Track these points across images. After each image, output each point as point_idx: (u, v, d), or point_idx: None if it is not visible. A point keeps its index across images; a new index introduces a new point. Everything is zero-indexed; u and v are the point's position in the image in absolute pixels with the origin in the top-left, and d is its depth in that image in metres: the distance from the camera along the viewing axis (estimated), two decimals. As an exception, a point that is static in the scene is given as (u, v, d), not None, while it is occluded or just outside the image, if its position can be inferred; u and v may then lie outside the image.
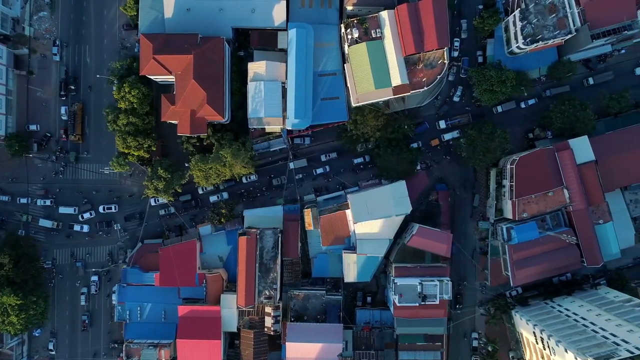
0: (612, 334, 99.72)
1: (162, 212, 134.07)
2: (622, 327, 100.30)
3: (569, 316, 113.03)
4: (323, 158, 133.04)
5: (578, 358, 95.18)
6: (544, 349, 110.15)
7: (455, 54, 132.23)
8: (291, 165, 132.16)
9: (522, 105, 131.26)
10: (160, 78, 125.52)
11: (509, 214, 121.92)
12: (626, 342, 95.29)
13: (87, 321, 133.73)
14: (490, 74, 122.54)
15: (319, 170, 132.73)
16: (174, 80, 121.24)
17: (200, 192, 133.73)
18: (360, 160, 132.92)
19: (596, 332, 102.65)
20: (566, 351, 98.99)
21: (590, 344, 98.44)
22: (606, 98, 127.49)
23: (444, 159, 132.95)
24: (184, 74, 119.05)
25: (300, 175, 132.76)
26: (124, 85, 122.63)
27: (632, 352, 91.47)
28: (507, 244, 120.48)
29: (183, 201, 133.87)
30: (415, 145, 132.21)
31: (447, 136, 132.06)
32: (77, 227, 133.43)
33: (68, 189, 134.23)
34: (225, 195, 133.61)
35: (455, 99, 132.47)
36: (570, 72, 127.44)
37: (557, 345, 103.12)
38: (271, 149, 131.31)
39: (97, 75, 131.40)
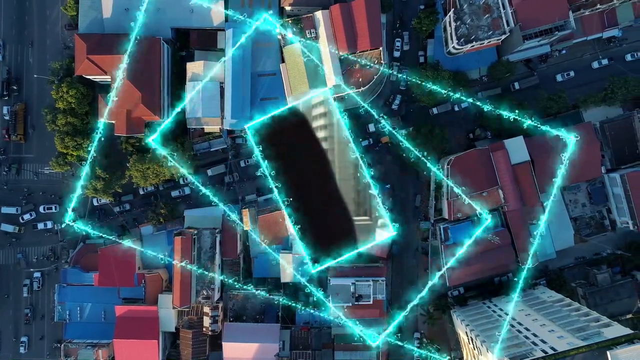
0: (534, 334, 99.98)
1: (117, 209, 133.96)
2: (545, 327, 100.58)
3: (500, 316, 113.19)
4: (242, 164, 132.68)
5: (496, 357, 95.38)
6: (474, 349, 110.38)
7: (397, 54, 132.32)
8: (209, 172, 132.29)
9: (456, 108, 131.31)
10: (97, 78, 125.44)
11: (446, 213, 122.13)
12: (544, 342, 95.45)
13: (29, 314, 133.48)
14: (427, 74, 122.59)
15: None
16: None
17: (141, 192, 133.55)
18: None
19: (520, 332, 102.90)
20: (487, 350, 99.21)
21: (511, 343, 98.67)
22: (544, 98, 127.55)
23: (387, 159, 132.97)
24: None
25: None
26: (62, 85, 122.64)
27: (545, 352, 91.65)
28: (443, 244, 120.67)
29: (142, 195, 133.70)
30: (366, 142, 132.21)
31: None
32: (40, 226, 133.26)
33: (12, 189, 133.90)
34: (187, 190, 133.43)
35: (394, 107, 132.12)
36: (508, 73, 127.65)
37: (481, 344, 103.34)
38: (212, 149, 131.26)
39: (35, 75, 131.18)
